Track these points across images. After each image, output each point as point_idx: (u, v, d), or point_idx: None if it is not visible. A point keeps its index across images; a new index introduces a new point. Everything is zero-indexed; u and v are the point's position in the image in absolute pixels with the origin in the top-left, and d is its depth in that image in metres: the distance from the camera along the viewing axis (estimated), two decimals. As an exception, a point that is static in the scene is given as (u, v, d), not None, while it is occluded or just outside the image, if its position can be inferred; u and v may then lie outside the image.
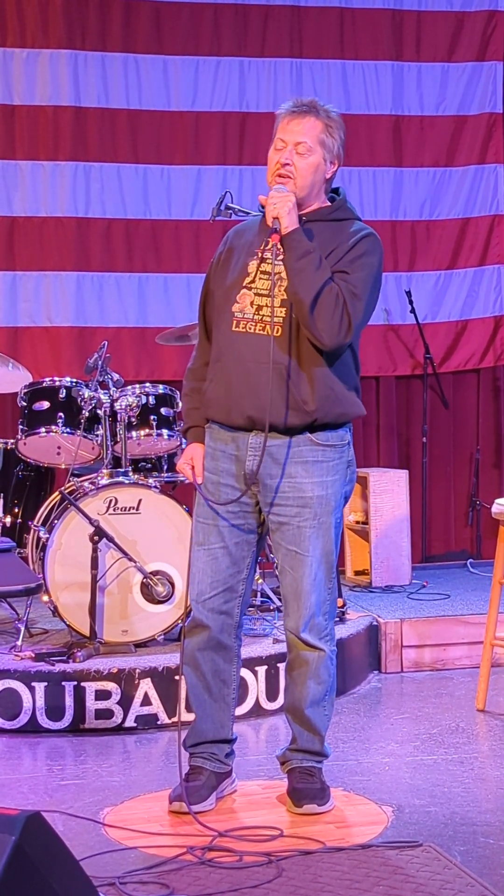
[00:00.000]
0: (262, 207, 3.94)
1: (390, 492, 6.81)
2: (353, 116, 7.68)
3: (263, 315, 3.88)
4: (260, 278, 3.91)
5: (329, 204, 4.00)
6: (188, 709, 4.18)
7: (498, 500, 5.16)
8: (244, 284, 3.92)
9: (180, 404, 4.18)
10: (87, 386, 5.71)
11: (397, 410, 7.88)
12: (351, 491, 4.08)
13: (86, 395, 5.63)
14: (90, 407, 5.64)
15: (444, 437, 7.92)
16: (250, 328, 3.89)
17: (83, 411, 5.64)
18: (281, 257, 3.86)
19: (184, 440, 5.67)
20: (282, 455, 3.91)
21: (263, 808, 4.07)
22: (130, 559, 5.27)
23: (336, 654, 4.10)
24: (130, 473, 5.48)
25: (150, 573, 5.30)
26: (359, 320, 3.85)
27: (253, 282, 3.91)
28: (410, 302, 7.57)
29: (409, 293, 7.58)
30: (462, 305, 7.89)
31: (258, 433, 3.90)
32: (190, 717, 4.19)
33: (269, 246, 3.86)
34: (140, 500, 5.34)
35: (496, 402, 8.03)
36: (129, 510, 5.33)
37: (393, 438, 7.85)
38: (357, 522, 7.04)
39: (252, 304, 3.90)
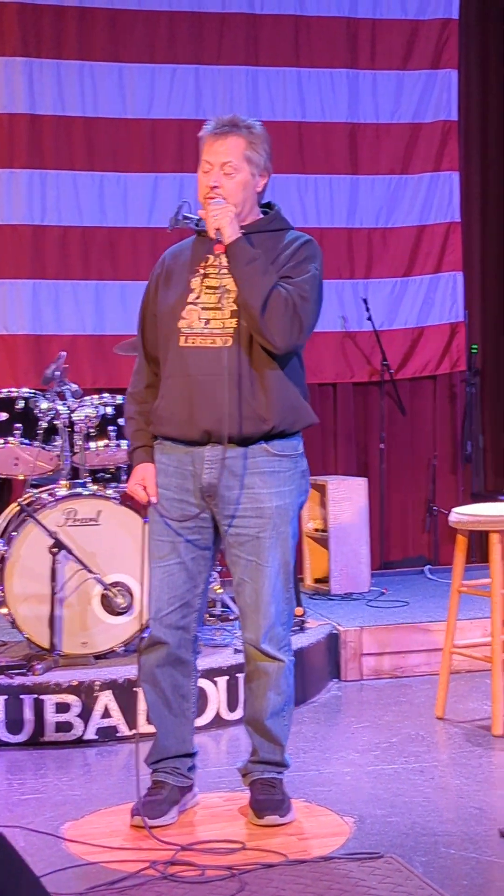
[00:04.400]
0: (197, 223, 3.99)
1: (349, 500, 6.83)
2: (308, 124, 7.72)
3: (213, 328, 3.90)
4: (205, 293, 3.92)
5: (263, 216, 4.03)
6: (148, 721, 4.17)
7: (455, 510, 5.19)
8: (189, 301, 3.93)
9: (126, 426, 4.17)
10: (44, 397, 5.69)
11: (355, 417, 7.90)
12: (305, 501, 4.10)
13: (43, 407, 5.61)
14: (48, 418, 5.62)
15: (402, 443, 7.95)
16: (200, 342, 3.90)
17: (41, 422, 5.63)
18: (225, 269, 3.88)
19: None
20: (238, 466, 3.92)
21: (225, 821, 4.08)
22: (90, 571, 5.26)
23: (294, 664, 4.11)
24: (89, 484, 5.47)
25: (110, 584, 5.29)
26: (309, 322, 3.89)
27: (198, 297, 3.93)
28: (367, 309, 7.59)
29: (365, 300, 7.61)
30: (418, 312, 7.92)
31: (214, 445, 3.91)
32: (149, 729, 4.17)
33: (214, 257, 3.88)
34: (99, 512, 5.33)
35: (452, 409, 8.07)
36: (88, 522, 5.31)
37: (351, 445, 7.87)
38: (316, 530, 7.06)
39: (199, 318, 3.91)
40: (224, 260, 3.88)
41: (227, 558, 4.05)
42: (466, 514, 5.12)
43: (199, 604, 4.07)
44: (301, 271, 3.91)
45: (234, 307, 3.89)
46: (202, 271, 3.95)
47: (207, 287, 3.93)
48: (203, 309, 3.92)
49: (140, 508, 4.09)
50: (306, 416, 4.00)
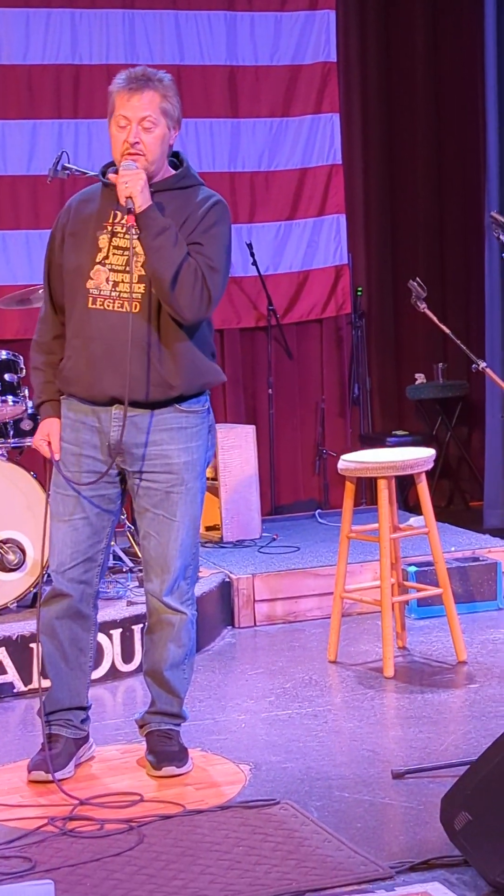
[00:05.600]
0: (104, 179, 3.95)
1: (238, 447, 6.85)
2: (187, 67, 7.64)
3: (121, 291, 3.88)
4: (114, 254, 3.89)
5: (173, 171, 4.00)
6: (44, 676, 4.19)
7: (343, 457, 5.24)
8: (97, 261, 3.90)
9: (32, 376, 4.13)
10: None
11: (242, 363, 7.91)
12: (213, 455, 4.13)
13: None
14: None
15: (290, 388, 7.99)
16: (108, 305, 3.89)
17: None
18: (135, 231, 3.85)
19: (29, 405, 5.64)
20: (146, 424, 3.93)
21: (123, 773, 4.12)
22: (-21, 528, 5.24)
23: (196, 618, 4.14)
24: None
25: (0, 542, 5.27)
26: (218, 292, 3.88)
27: (106, 258, 3.90)
28: (252, 254, 7.58)
29: (250, 245, 7.60)
30: (303, 256, 7.93)
31: (120, 406, 3.90)
32: (47, 683, 4.18)
33: (126, 227, 3.84)
34: (-13, 469, 5.30)
35: (339, 352, 8.12)
36: (-24, 479, 5.28)
37: (239, 391, 7.88)
38: (206, 479, 7.07)
39: (108, 280, 3.89)
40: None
41: (135, 511, 4.07)
42: (354, 461, 5.18)
43: (102, 558, 4.09)
44: (210, 238, 3.89)
45: (143, 272, 3.86)
46: (110, 228, 3.91)
47: (116, 247, 3.90)
48: (111, 271, 3.89)
49: (45, 462, 4.08)
50: (213, 378, 4.02)
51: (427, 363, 8.22)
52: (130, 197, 3.81)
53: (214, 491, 6.93)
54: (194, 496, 4.01)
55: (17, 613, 5.32)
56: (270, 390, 7.75)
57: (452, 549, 6.23)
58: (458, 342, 4.92)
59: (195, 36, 7.67)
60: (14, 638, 4.99)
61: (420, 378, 8.18)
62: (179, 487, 3.97)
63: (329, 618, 5.45)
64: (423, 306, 4.91)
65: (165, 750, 4.08)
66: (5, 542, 5.27)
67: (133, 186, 3.81)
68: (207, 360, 3.98)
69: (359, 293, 8.07)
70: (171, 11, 7.59)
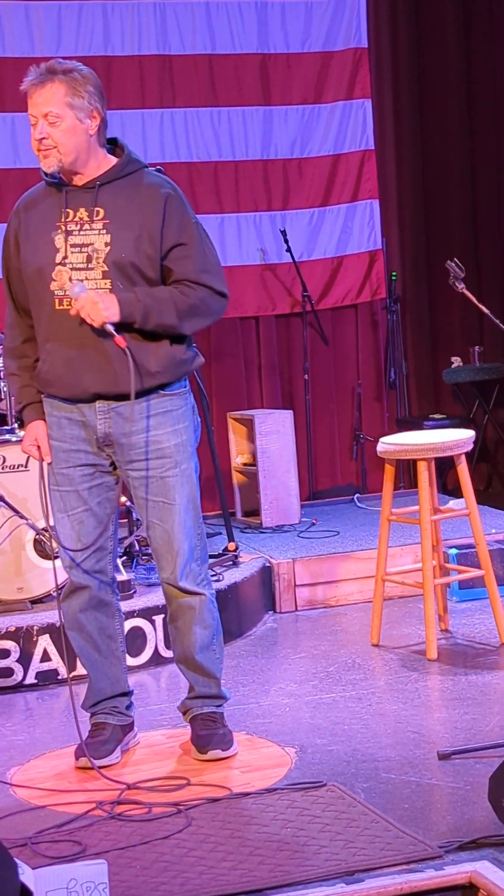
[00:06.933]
0: (46, 178, 3.93)
1: (276, 433, 6.87)
2: (219, 56, 7.65)
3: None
4: (72, 253, 3.87)
5: (113, 159, 3.96)
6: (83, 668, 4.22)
7: (382, 439, 5.24)
8: (57, 261, 3.87)
9: (8, 382, 4.14)
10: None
11: (278, 349, 7.93)
12: (199, 435, 4.12)
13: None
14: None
15: (326, 373, 8.00)
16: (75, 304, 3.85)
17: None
18: (88, 226, 3.85)
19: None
20: (131, 413, 3.91)
21: (169, 758, 4.14)
22: (22, 517, 5.27)
23: (215, 596, 4.16)
24: (18, 431, 5.45)
25: (42, 529, 5.30)
26: (222, 286, 3.92)
27: (66, 258, 3.87)
28: (286, 241, 7.59)
29: (283, 232, 7.61)
30: (337, 242, 7.94)
31: (103, 401, 3.91)
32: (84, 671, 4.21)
33: (125, 346, 3.81)
34: (28, 458, 5.31)
35: (374, 337, 8.12)
36: (17, 468, 5.31)
37: (275, 377, 7.90)
38: (245, 464, 7.10)
39: (71, 279, 3.85)
40: (85, 215, 3.86)
41: (135, 502, 4.08)
42: (393, 443, 5.18)
43: (111, 546, 4.11)
44: (189, 237, 3.88)
45: (105, 267, 3.85)
46: (64, 228, 3.87)
47: (73, 245, 3.86)
48: (73, 269, 3.86)
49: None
50: (193, 364, 4.03)
51: (463, 346, 8.20)
52: (103, 324, 3.79)
53: (253, 476, 6.96)
54: (189, 477, 4.01)
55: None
56: (307, 376, 7.76)
57: (493, 531, 6.22)
58: (496, 320, 4.90)
59: (226, 25, 7.68)
60: (58, 625, 5.01)
61: (456, 361, 8.16)
62: (174, 470, 3.98)
63: (370, 601, 5.46)
64: (461, 286, 4.90)
65: (211, 734, 4.10)
66: (46, 529, 5.30)
67: (95, 314, 3.79)
68: (186, 348, 3.98)
69: (393, 278, 8.06)
70: (202, 1, 7.60)
